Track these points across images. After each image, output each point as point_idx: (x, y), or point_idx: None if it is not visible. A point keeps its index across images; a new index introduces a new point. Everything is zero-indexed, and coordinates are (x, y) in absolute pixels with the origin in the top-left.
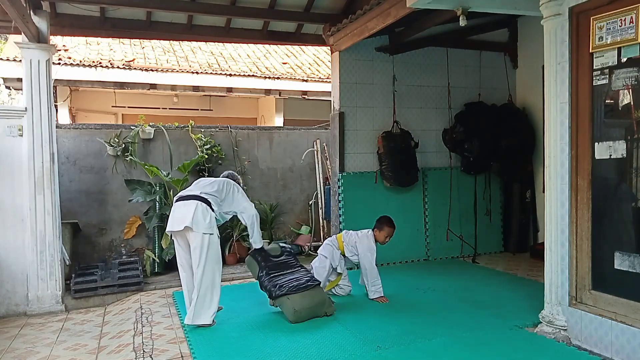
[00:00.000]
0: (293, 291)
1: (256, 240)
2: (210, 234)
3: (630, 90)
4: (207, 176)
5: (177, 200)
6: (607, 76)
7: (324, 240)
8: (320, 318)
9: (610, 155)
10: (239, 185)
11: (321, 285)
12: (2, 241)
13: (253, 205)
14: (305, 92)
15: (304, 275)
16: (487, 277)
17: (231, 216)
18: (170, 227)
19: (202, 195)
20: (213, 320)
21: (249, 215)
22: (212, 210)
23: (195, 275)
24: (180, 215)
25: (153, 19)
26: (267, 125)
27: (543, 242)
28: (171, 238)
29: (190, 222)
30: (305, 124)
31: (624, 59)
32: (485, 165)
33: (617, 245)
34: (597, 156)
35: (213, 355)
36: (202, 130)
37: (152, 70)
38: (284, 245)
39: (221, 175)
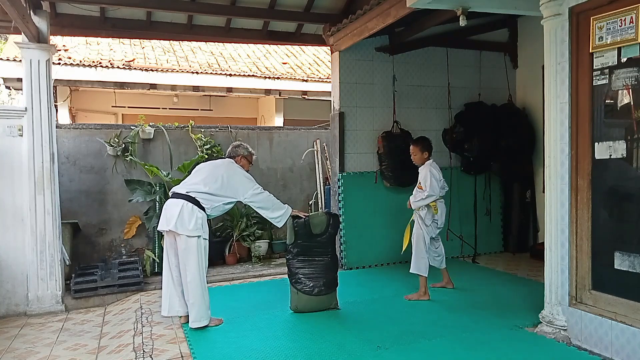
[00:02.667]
0: (304, 292)
1: (278, 221)
2: (197, 236)
3: (630, 90)
4: None
5: (171, 196)
6: (607, 76)
7: None
8: (321, 318)
9: (610, 155)
10: (249, 159)
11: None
12: (2, 241)
13: (258, 187)
14: (305, 92)
15: (327, 272)
16: (487, 277)
17: (233, 205)
18: (159, 226)
19: (191, 194)
20: (215, 319)
21: (255, 199)
22: (202, 208)
23: (184, 278)
24: (168, 215)
25: (153, 19)
26: (267, 125)
27: (543, 242)
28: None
29: (174, 224)
30: (305, 124)
31: (624, 59)
32: (485, 165)
33: (617, 245)
34: (597, 156)
35: (213, 355)
36: (202, 130)
37: (152, 70)
38: (331, 215)
39: (227, 150)
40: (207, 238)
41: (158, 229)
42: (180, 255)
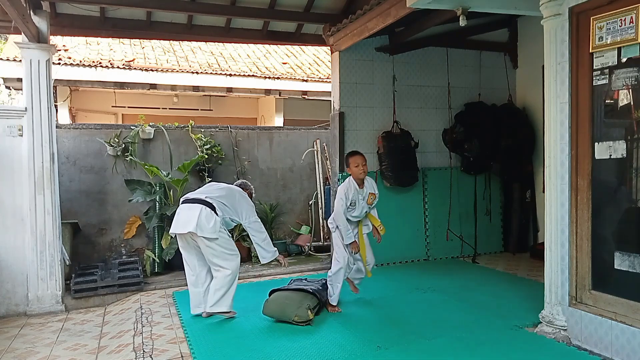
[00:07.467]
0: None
1: (263, 256)
2: (215, 238)
3: (630, 90)
4: (207, 176)
5: (183, 202)
6: (607, 76)
7: (324, 241)
8: (321, 318)
9: (610, 155)
10: (251, 196)
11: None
12: (2, 241)
13: (258, 218)
14: (305, 92)
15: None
16: (487, 277)
17: (236, 224)
18: (174, 229)
19: (207, 199)
20: (232, 311)
21: (254, 226)
22: (217, 214)
23: (214, 274)
24: (185, 218)
25: (153, 19)
26: (267, 125)
27: (543, 242)
28: (171, 238)
29: (194, 227)
30: (305, 124)
31: (624, 59)
32: (485, 165)
33: (617, 245)
34: (597, 156)
35: (213, 355)
36: (202, 130)
37: (152, 70)
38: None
39: (234, 183)
40: (229, 236)
41: (172, 231)
42: (204, 253)
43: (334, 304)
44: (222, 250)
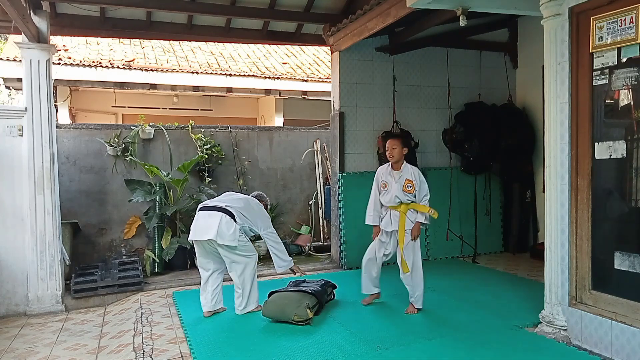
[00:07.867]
0: (275, 292)
1: (280, 265)
2: (235, 246)
3: (630, 90)
4: (207, 176)
5: (201, 209)
6: (607, 76)
7: (324, 241)
8: (321, 318)
9: (610, 155)
10: (266, 208)
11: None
12: (2, 241)
13: (273, 229)
14: (305, 92)
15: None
16: (487, 277)
17: (254, 234)
18: (192, 236)
19: (227, 207)
20: (259, 305)
21: (271, 236)
22: (236, 222)
23: (233, 278)
24: (205, 225)
25: (153, 19)
26: (267, 125)
27: (543, 242)
28: (171, 238)
29: (214, 234)
30: (305, 124)
31: (624, 59)
32: (485, 165)
33: (617, 245)
34: (597, 156)
35: (213, 355)
36: (202, 130)
37: (152, 70)
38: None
39: (250, 194)
40: (248, 241)
41: (191, 238)
42: (224, 259)
43: (363, 292)
44: (241, 255)
